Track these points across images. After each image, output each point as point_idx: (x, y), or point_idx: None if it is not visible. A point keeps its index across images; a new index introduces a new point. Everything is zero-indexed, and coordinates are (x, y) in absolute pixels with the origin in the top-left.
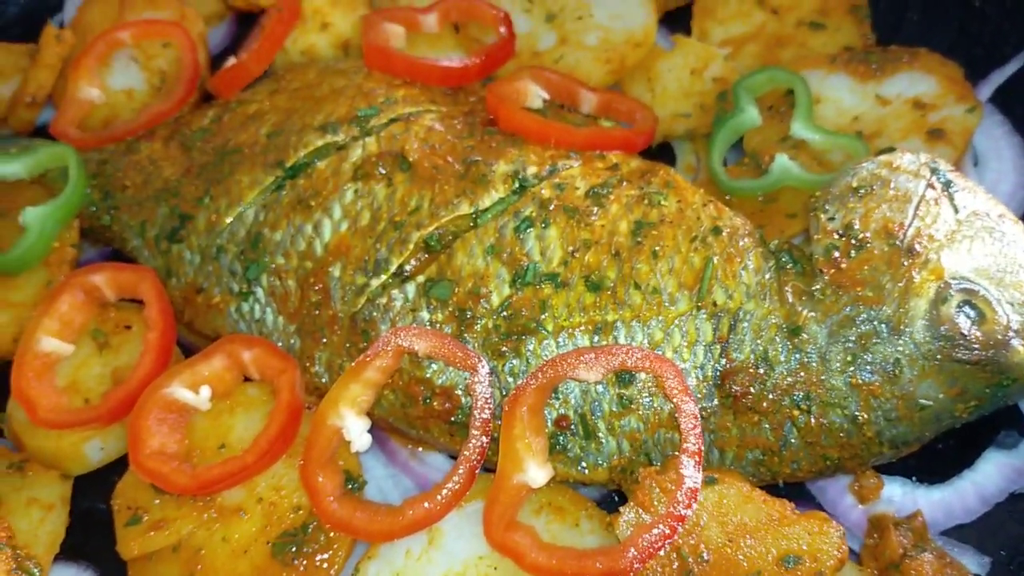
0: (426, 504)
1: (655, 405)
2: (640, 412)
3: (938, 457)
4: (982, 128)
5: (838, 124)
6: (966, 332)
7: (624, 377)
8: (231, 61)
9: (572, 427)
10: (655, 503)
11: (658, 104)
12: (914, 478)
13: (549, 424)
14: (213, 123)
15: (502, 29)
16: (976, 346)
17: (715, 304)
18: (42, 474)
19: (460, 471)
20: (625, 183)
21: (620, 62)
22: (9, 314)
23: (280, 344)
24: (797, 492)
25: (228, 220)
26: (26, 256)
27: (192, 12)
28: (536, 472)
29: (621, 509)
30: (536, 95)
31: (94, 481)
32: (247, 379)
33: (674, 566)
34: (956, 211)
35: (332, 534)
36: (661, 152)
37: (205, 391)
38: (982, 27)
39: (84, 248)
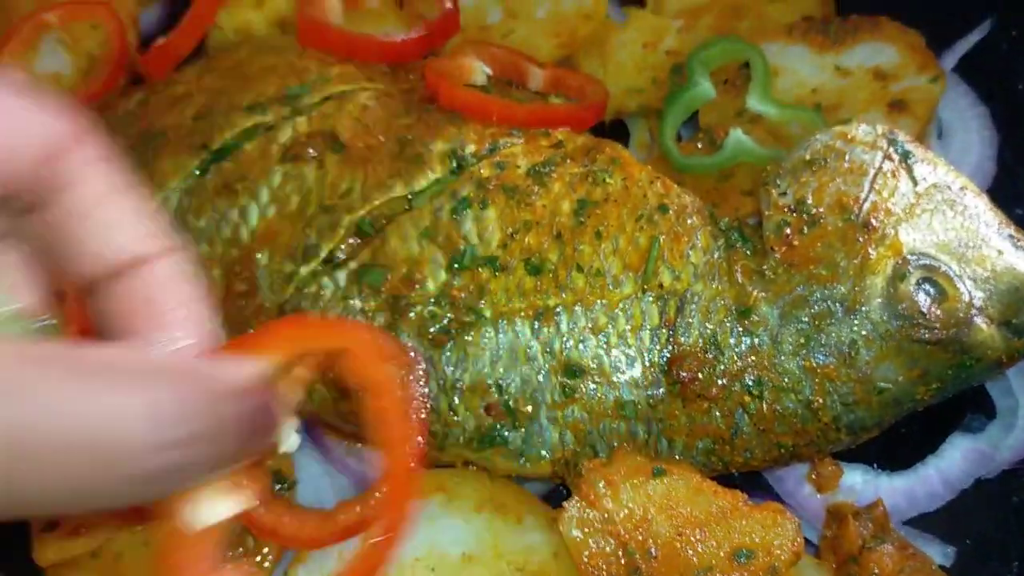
0: (359, 508)
1: (600, 394)
2: (584, 401)
3: (901, 443)
4: (946, 99)
5: (796, 97)
6: (926, 310)
7: (570, 367)
8: (160, 41)
9: (502, 414)
10: (601, 497)
11: (611, 79)
12: (875, 465)
13: (480, 409)
14: (139, 106)
15: (446, 3)
16: (937, 325)
17: (661, 286)
18: None
19: None
20: (569, 161)
21: (570, 35)
22: None
23: None
24: (753, 482)
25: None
26: None
27: None
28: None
29: (565, 504)
30: (480, 71)
31: None
32: None
33: (621, 563)
34: (915, 184)
35: None
36: (615, 129)
37: None
38: None
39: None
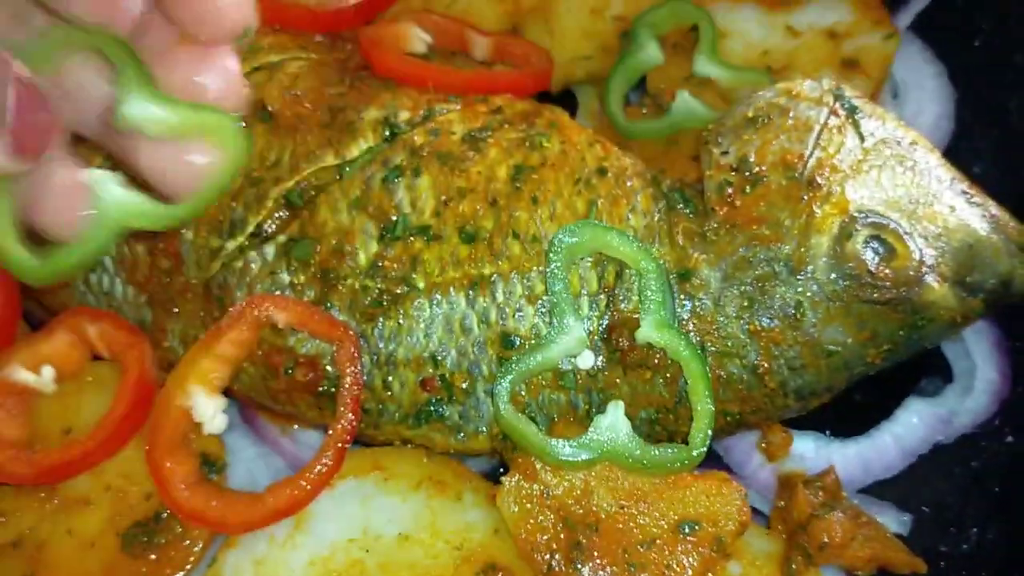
0: (289, 490)
1: None
2: None
3: (854, 409)
4: (901, 57)
5: (746, 59)
6: (874, 269)
7: (506, 338)
8: None
9: (438, 388)
10: (539, 470)
11: (557, 47)
12: (828, 432)
13: (416, 383)
14: None
15: None
16: (886, 284)
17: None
18: None
19: (328, 453)
20: (507, 126)
21: (515, 3)
22: None
23: (130, 317)
24: None
25: None
26: None
27: None
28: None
29: (503, 479)
30: (418, 39)
31: None
32: (99, 358)
33: (561, 537)
34: (862, 139)
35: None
36: (564, 100)
37: (47, 371)
38: None
39: None
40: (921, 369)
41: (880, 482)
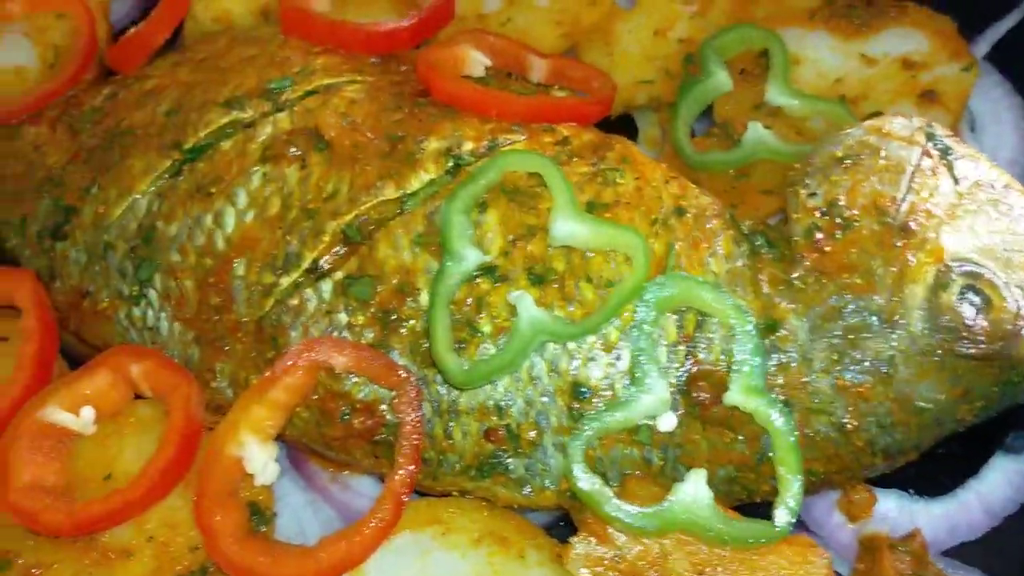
0: (344, 545)
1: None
2: None
3: (939, 466)
4: (978, 89)
5: (819, 88)
6: (970, 322)
7: (578, 388)
8: (131, 32)
9: (504, 439)
10: (611, 533)
11: (617, 70)
12: (912, 491)
13: (479, 434)
14: (107, 102)
15: None
16: (982, 338)
17: None
18: None
19: (385, 506)
20: (576, 159)
21: (574, 24)
22: None
23: (176, 355)
24: None
25: (117, 212)
26: None
27: None
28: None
29: (572, 540)
30: (477, 61)
31: None
32: (140, 397)
33: None
34: (956, 182)
35: None
36: (622, 124)
37: (87, 412)
38: None
39: None
40: (1008, 424)
41: (965, 544)
